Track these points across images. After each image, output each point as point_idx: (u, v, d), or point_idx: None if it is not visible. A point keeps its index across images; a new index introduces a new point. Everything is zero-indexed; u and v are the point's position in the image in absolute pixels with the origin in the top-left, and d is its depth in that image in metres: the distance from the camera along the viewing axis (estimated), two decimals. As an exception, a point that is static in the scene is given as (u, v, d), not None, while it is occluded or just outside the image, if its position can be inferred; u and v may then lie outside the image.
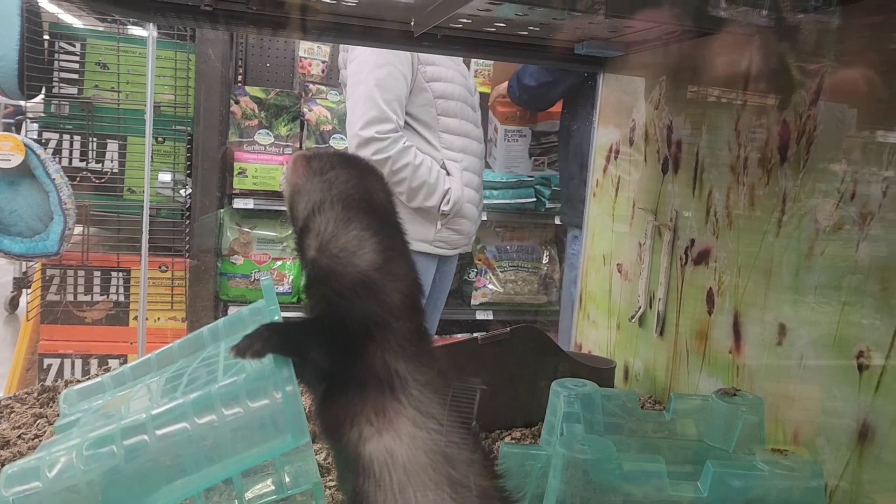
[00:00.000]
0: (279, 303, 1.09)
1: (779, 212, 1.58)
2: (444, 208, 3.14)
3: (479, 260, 4.61)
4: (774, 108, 1.62)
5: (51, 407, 1.90)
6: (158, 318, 4.15)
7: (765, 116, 1.65)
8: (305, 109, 4.36)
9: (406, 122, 3.10)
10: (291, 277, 4.36)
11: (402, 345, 1.00)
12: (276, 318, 1.07)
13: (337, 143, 4.31)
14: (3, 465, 1.51)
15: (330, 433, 0.95)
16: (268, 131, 4.27)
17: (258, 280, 4.32)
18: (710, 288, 1.82)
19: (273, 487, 1.32)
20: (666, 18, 1.84)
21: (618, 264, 2.34)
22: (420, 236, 3.15)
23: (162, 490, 0.80)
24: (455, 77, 3.24)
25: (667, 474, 1.08)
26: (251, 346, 0.88)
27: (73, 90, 3.98)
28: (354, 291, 1.01)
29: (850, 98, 1.43)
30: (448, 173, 3.19)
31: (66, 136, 3.98)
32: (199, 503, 1.25)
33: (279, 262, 4.36)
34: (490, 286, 4.60)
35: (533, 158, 4.55)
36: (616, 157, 2.41)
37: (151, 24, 2.10)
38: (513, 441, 1.79)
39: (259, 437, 0.80)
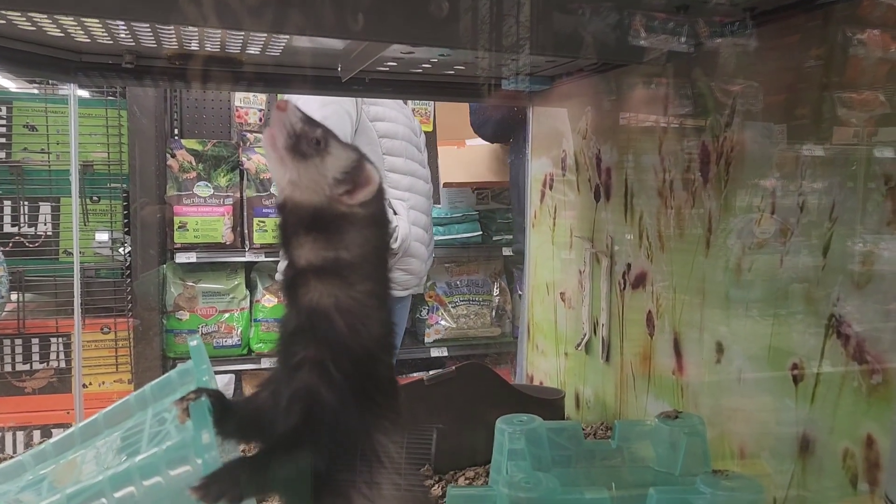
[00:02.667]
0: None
1: (706, 231, 1.62)
2: (392, 246, 3.13)
3: (430, 297, 4.60)
4: (693, 132, 1.67)
5: (-17, 488, 1.81)
6: (103, 382, 4.02)
7: (685, 140, 1.70)
8: (244, 158, 4.33)
9: None
10: (240, 329, 4.28)
11: (386, 416, 0.99)
12: (206, 378, 1.04)
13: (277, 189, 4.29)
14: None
15: None
16: (207, 183, 4.22)
17: (206, 335, 4.23)
18: (650, 311, 1.84)
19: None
20: (586, 52, 1.89)
21: (561, 293, 2.36)
22: None
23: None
24: (398, 117, 3.27)
25: (612, 504, 1.08)
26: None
27: (1, 154, 3.88)
28: (355, 364, 0.96)
29: (763, 118, 1.48)
30: (395, 212, 3.18)
31: (-4, 202, 3.87)
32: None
33: (227, 315, 4.27)
34: (443, 322, 4.58)
35: (476, 192, 4.59)
36: (551, 188, 2.44)
37: (72, 84, 2.07)
38: (466, 481, 1.76)
39: (181, 508, 0.77)
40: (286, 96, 2.98)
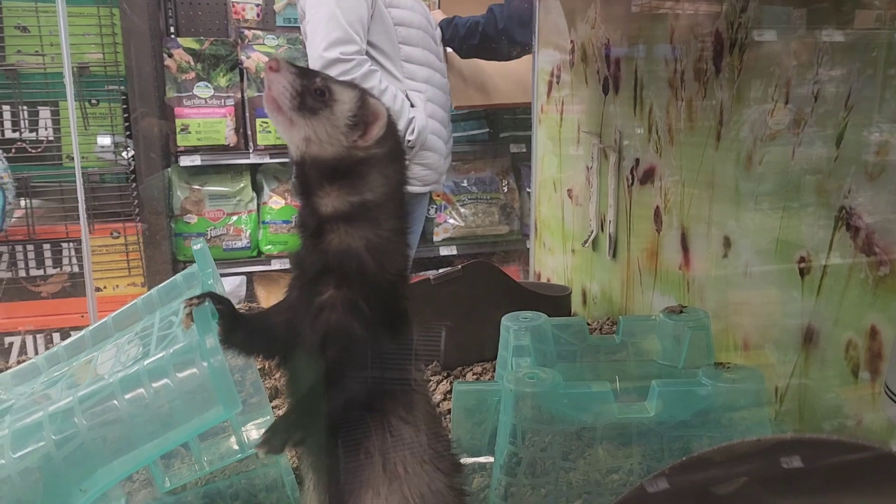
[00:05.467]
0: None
1: (717, 123, 1.58)
2: (409, 138, 3.07)
3: (438, 196, 4.57)
4: (707, 18, 1.59)
5: (6, 389, 1.87)
6: (117, 286, 4.07)
7: (698, 27, 1.63)
8: (243, 57, 4.21)
9: (367, 52, 2.99)
10: (249, 231, 4.30)
11: (408, 343, 1.00)
12: (210, 282, 1.04)
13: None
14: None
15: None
16: (206, 83, 4.12)
17: (215, 238, 4.25)
18: (657, 206, 1.82)
19: (234, 447, 1.31)
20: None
21: (568, 190, 2.33)
22: None
23: (100, 471, 0.79)
24: (414, 6, 3.12)
25: (614, 397, 1.10)
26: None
27: (-5, 57, 3.79)
28: (382, 298, 0.98)
29: (781, 1, 1.41)
30: (412, 104, 3.10)
31: (-6, 108, 3.81)
32: (155, 472, 1.24)
33: (234, 217, 4.28)
34: (451, 221, 4.58)
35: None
36: (558, 81, 2.37)
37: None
38: (474, 377, 1.81)
39: (191, 410, 0.79)
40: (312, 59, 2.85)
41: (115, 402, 0.79)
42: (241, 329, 0.93)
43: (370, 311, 0.94)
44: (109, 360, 0.98)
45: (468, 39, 3.41)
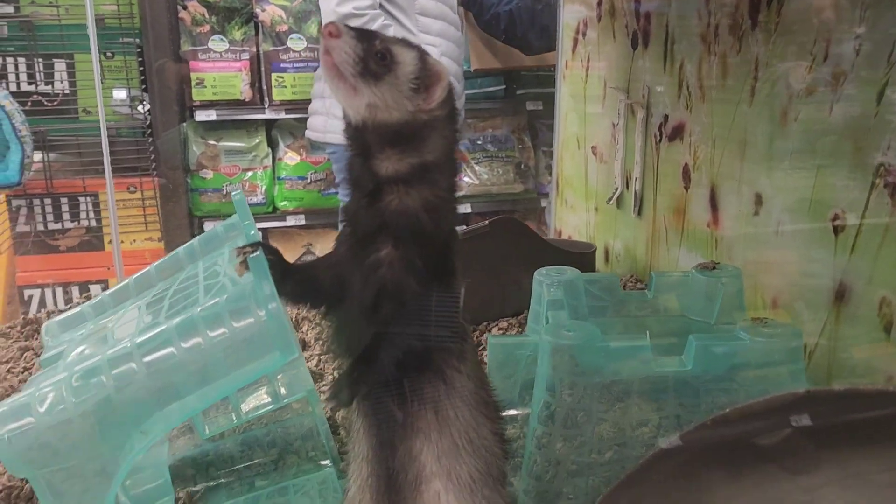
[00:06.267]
0: (252, 214, 1.07)
1: (751, 79, 1.56)
2: None
3: (453, 153, 4.55)
4: (745, -30, 1.56)
5: (36, 339, 1.90)
6: (134, 240, 4.09)
7: (735, -21, 1.60)
8: (258, 10, 4.15)
9: (380, 5, 2.95)
10: (264, 187, 4.30)
11: (460, 299, 1.01)
12: (252, 233, 1.05)
13: (295, 44, 4.14)
14: (-3, 400, 1.52)
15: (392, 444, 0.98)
16: (221, 37, 4.08)
17: (231, 193, 4.25)
18: (686, 163, 1.81)
19: (269, 398, 1.34)
20: None
21: (592, 147, 2.32)
22: None
23: (156, 415, 0.81)
24: None
25: (651, 351, 1.11)
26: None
27: (10, 9, 3.75)
28: (436, 256, 0.99)
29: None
30: None
31: (10, 60, 3.79)
32: (196, 420, 1.27)
33: (250, 173, 4.28)
34: (466, 179, 4.56)
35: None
36: (584, 37, 2.34)
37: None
38: (500, 332, 1.82)
39: (247, 356, 0.80)
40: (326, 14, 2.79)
41: (172, 347, 0.80)
42: (290, 279, 0.94)
43: (425, 268, 0.95)
44: (130, 321, 0.99)
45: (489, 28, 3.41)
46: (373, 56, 0.95)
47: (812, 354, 1.42)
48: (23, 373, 1.67)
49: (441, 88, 0.99)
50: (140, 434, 0.80)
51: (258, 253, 0.88)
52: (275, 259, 0.91)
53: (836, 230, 1.37)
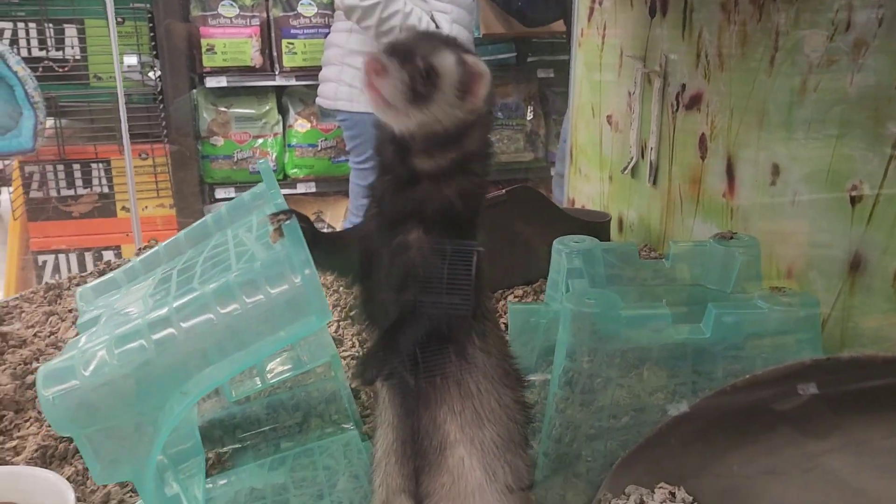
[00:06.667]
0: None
1: (771, 49, 1.55)
2: None
3: (463, 121, 4.53)
4: (767, -63, 1.55)
5: (59, 304, 1.93)
6: (146, 207, 4.12)
7: (757, -53, 1.58)
8: (268, -25, 4.12)
9: None
10: (275, 154, 4.30)
11: (483, 277, 1.02)
12: (279, 201, 1.06)
13: (305, 9, 4.11)
14: (24, 363, 1.56)
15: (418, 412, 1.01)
16: (231, 2, 4.06)
17: (241, 161, 4.26)
18: (703, 133, 1.81)
19: (292, 364, 1.37)
20: None
21: (608, 116, 2.32)
22: None
23: (195, 378, 0.84)
24: None
25: (670, 319, 1.13)
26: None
27: (20, -27, 3.73)
28: (464, 237, 0.99)
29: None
30: (437, 26, 3.06)
31: (21, 25, 3.77)
32: (224, 383, 1.30)
33: (260, 140, 4.28)
34: (475, 147, 4.55)
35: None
36: (600, 4, 2.32)
37: None
38: (516, 299, 1.84)
39: (283, 320, 0.82)
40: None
41: (210, 313, 0.83)
42: (319, 247, 0.96)
43: (453, 252, 0.96)
44: (137, 300, 1.01)
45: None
46: (418, 78, 0.93)
47: (825, 324, 1.44)
48: (49, 336, 1.70)
49: (484, 86, 0.97)
50: (180, 395, 0.83)
51: (292, 219, 0.90)
52: (306, 227, 0.93)
53: (853, 200, 1.37)
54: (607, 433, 1.20)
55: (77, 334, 0.97)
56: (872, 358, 0.97)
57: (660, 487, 1.06)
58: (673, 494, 1.06)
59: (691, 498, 1.04)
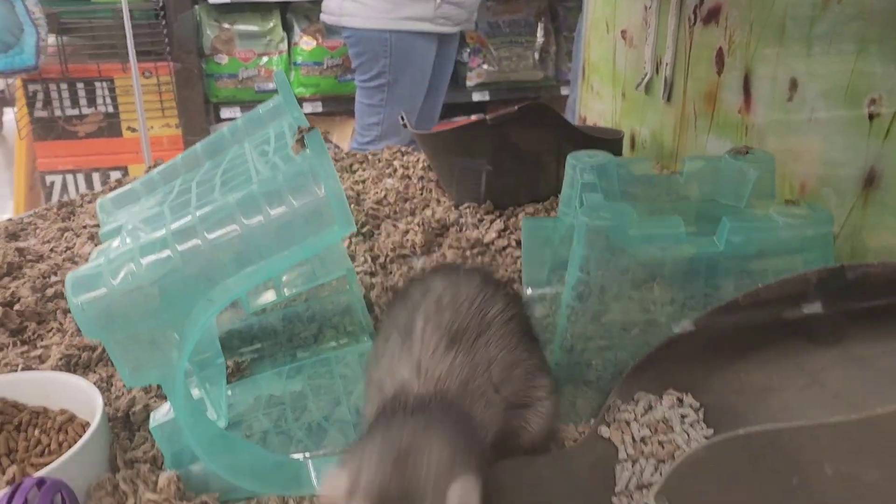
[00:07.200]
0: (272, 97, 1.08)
1: (796, -41, 1.51)
2: None
3: (472, 38, 4.44)
4: None
5: (73, 220, 1.95)
6: (152, 127, 4.09)
7: None
8: None
9: None
10: (280, 73, 4.24)
11: None
12: (296, 114, 1.06)
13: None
14: (43, 276, 1.59)
15: None
16: (232, -88, 3.92)
17: (246, 79, 4.20)
18: (720, 48, 1.78)
19: (306, 278, 1.39)
20: None
21: (622, 31, 2.27)
22: (420, 14, 3.00)
23: (221, 285, 0.85)
24: None
25: (684, 232, 1.13)
26: None
27: None
28: None
29: None
30: None
31: (16, -64, 3.66)
32: (242, 294, 1.33)
33: (265, 58, 4.21)
34: (485, 66, 4.47)
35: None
36: (617, -89, 2.24)
37: None
38: (527, 216, 1.85)
39: (307, 230, 0.83)
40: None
41: (234, 222, 0.84)
42: None
43: None
44: (158, 211, 1.02)
45: None
46: None
47: (835, 240, 1.45)
48: (65, 251, 1.73)
49: None
50: (207, 302, 0.85)
51: (314, 130, 0.90)
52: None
53: (871, 116, 1.36)
54: (618, 345, 1.22)
55: (97, 245, 0.99)
56: (883, 268, 0.97)
57: (668, 394, 1.10)
58: (680, 400, 1.09)
59: (698, 404, 1.08)
